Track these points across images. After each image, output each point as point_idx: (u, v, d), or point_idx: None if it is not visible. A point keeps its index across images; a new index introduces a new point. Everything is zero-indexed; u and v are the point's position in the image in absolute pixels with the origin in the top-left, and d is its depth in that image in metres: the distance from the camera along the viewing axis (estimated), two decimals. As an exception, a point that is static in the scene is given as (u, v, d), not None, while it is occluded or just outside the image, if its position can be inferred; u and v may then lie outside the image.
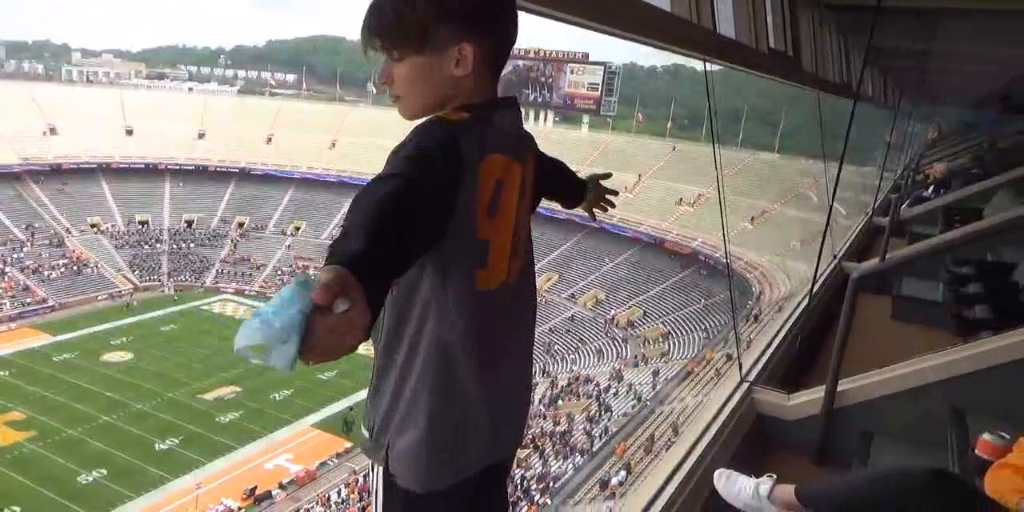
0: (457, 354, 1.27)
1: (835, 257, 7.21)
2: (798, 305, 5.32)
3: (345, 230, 0.95)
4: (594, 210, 1.87)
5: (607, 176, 1.87)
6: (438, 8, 1.20)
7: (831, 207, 5.76)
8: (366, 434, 1.37)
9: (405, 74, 1.25)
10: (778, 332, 4.52)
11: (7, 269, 38.96)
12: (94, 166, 47.60)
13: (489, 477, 1.46)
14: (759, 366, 3.89)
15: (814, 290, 5.21)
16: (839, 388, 3.42)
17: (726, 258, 29.10)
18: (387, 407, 1.32)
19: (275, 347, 0.74)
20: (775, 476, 2.52)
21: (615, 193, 1.90)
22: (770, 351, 4.15)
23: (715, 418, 3.27)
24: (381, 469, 1.36)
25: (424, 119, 1.25)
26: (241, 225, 49.13)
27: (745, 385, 3.63)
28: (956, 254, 5.93)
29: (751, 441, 3.39)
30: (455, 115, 1.24)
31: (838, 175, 5.23)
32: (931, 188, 11.42)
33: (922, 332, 5.30)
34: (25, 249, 41.04)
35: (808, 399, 3.50)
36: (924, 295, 5.75)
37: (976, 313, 4.76)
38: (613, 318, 37.73)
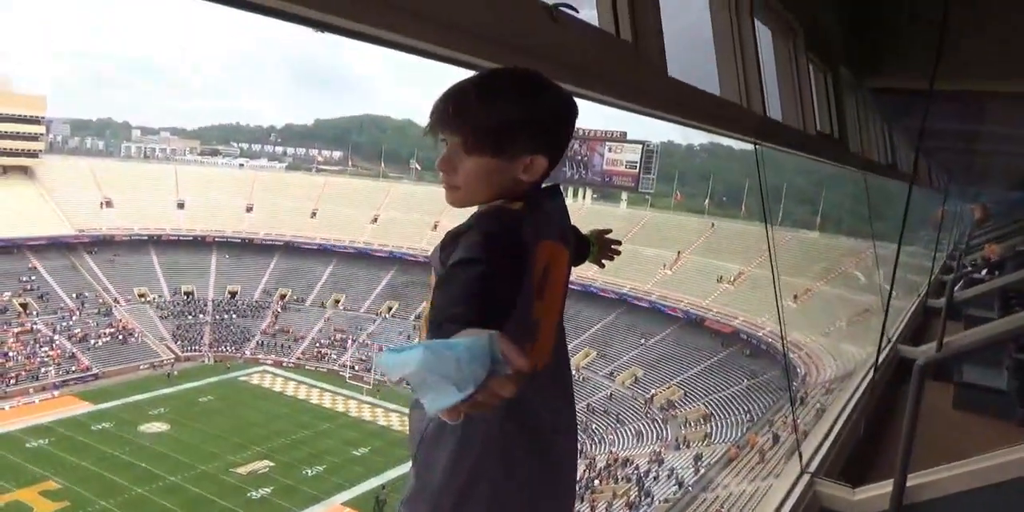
0: (515, 434, 1.27)
1: (889, 340, 6.98)
2: (855, 390, 5.11)
3: (442, 309, 0.96)
4: (602, 260, 1.88)
5: (608, 231, 1.90)
6: (524, 119, 1.23)
7: (890, 291, 5.60)
8: None
9: (472, 170, 1.26)
10: (837, 419, 4.31)
11: (56, 337, 39.83)
12: (145, 237, 49.33)
13: None
14: (819, 455, 3.70)
15: (875, 376, 5.00)
16: (908, 483, 3.22)
17: (782, 340, 28.39)
18: (434, 500, 1.28)
19: (444, 388, 0.75)
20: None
21: (618, 242, 1.92)
22: (830, 440, 3.95)
23: (777, 512, 3.10)
24: None
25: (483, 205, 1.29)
26: (283, 297, 49.83)
27: (806, 477, 3.45)
28: (1021, 341, 5.68)
29: (815, 539, 3.20)
30: (513, 203, 1.27)
31: (896, 259, 5.11)
32: (984, 270, 11.15)
33: (988, 422, 5.04)
34: (74, 318, 42.06)
35: (876, 494, 3.30)
36: (988, 383, 5.49)
37: (1047, 403, 4.52)
38: (652, 397, 36.77)
